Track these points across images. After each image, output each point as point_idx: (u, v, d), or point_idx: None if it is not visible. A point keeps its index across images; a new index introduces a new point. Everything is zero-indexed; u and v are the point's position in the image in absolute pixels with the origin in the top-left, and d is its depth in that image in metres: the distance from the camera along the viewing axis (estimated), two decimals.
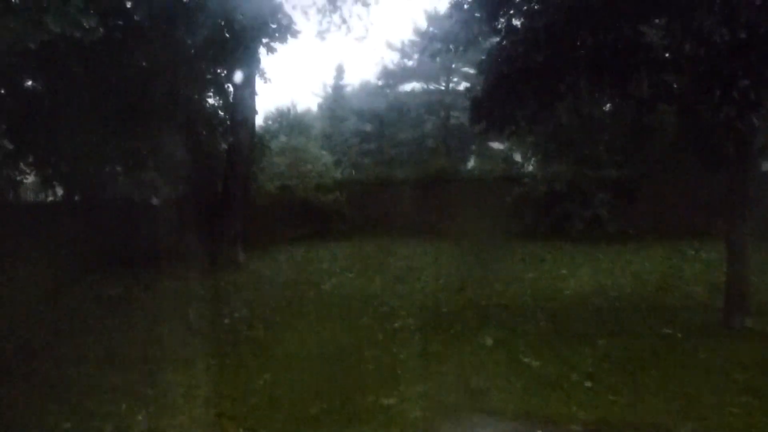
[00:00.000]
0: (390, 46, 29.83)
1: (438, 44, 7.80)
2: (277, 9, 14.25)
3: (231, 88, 15.11)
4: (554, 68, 6.87)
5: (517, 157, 21.66)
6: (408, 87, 29.83)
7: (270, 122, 34.81)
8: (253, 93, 15.30)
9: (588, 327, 7.76)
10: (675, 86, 6.99)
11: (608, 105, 14.63)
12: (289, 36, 14.27)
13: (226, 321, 8.87)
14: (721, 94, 5.31)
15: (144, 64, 12.12)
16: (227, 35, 12.55)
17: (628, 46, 6.45)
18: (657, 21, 7.16)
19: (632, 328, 7.66)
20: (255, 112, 15.95)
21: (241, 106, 14.99)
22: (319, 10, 18.66)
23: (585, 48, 6.54)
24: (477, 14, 7.47)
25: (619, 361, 6.44)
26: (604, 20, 6.42)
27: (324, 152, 26.80)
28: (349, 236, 18.51)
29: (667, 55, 6.58)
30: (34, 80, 12.28)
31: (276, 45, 14.30)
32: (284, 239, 17.76)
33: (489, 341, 7.31)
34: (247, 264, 14.15)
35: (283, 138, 27.64)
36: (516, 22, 7.63)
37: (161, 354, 7.15)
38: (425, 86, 29.23)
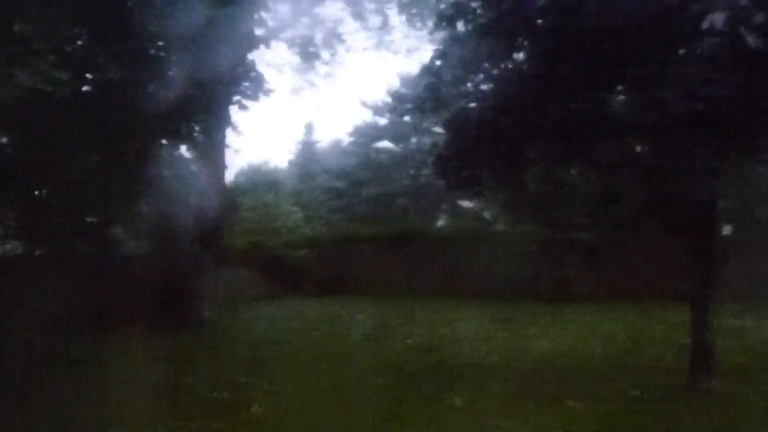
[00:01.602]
0: (364, 104, 30.17)
1: (408, 105, 7.99)
2: (250, 67, 14.47)
3: (202, 143, 15.15)
4: (522, 134, 7.06)
5: (487, 216, 21.91)
6: (379, 145, 30.23)
7: (242, 178, 34.75)
8: (223, 148, 15.36)
9: (557, 388, 7.73)
10: (638, 153, 7.24)
11: (576, 169, 14.99)
12: (261, 94, 14.44)
13: (190, 381, 8.62)
14: (680, 163, 5.53)
15: (116, 117, 12.11)
16: (199, 91, 12.64)
17: (594, 114, 6.68)
18: (621, 90, 7.47)
19: (601, 389, 7.65)
20: (226, 168, 15.98)
21: (212, 162, 15.00)
22: (293, 69, 18.95)
23: (552, 115, 6.76)
24: (447, 78, 7.68)
25: (587, 423, 6.40)
26: (570, 89, 6.66)
27: (295, 208, 26.78)
28: (319, 293, 18.35)
29: (631, 123, 6.83)
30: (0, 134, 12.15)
31: (248, 103, 14.47)
32: (253, 296, 17.51)
33: (459, 402, 7.23)
34: (214, 322, 13.87)
35: (254, 193, 27.58)
36: (485, 87, 7.86)
37: (119, 418, 6.89)
38: (396, 144, 29.66)
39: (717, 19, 4.65)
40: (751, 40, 4.55)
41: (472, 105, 7.74)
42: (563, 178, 15.91)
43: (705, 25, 4.72)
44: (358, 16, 18.04)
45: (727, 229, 15.53)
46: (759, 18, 4.59)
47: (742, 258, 14.95)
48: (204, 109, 12.98)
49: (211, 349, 11.07)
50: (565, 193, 16.48)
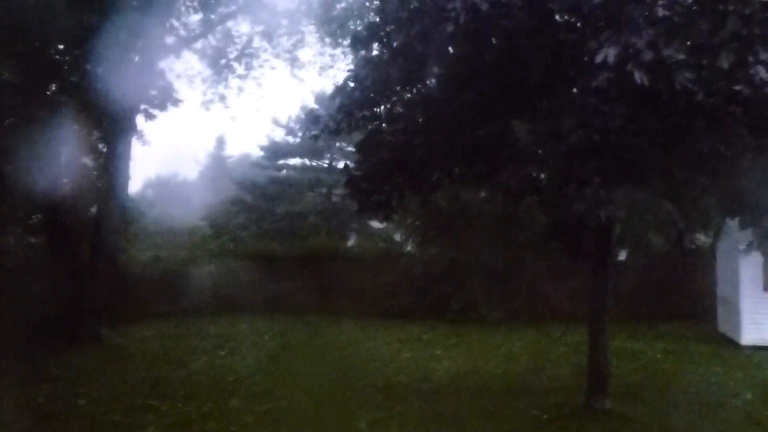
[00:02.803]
0: (276, 122, 29.79)
1: (320, 126, 7.94)
2: (159, 76, 14.01)
3: (105, 152, 14.48)
4: (431, 157, 7.17)
5: (397, 238, 22.06)
6: (291, 162, 29.89)
7: (148, 189, 33.59)
8: (128, 158, 14.72)
9: (460, 408, 7.85)
10: (540, 179, 7.52)
11: (483, 193, 15.39)
12: (169, 104, 14.03)
13: (82, 402, 8.14)
14: (575, 190, 5.81)
15: (9, 120, 11.42)
16: (103, 98, 12.12)
17: (499, 140, 6.90)
18: (525, 118, 7.73)
19: (502, 410, 7.82)
20: (129, 178, 15.32)
21: (114, 171, 14.32)
22: (203, 81, 18.42)
23: (460, 140, 6.92)
24: (360, 99, 7.69)
25: None
26: (476, 115, 6.85)
27: (202, 223, 26.02)
28: (224, 312, 17.80)
29: (532, 150, 7.08)
30: None
31: (155, 112, 14.02)
32: (153, 314, 16.76)
33: (363, 424, 7.20)
34: (110, 339, 13.18)
35: (160, 206, 26.61)
36: (397, 110, 7.95)
37: None
38: (308, 162, 29.44)
39: (610, 54, 4.96)
40: (638, 76, 4.88)
41: (385, 127, 7.80)
42: (470, 201, 16.31)
43: (599, 59, 5.01)
44: (272, 31, 17.84)
45: (622, 255, 16.32)
46: (647, 56, 4.94)
47: (636, 282, 15.83)
48: (107, 116, 12.43)
49: (106, 367, 10.52)
50: (472, 216, 16.85)
